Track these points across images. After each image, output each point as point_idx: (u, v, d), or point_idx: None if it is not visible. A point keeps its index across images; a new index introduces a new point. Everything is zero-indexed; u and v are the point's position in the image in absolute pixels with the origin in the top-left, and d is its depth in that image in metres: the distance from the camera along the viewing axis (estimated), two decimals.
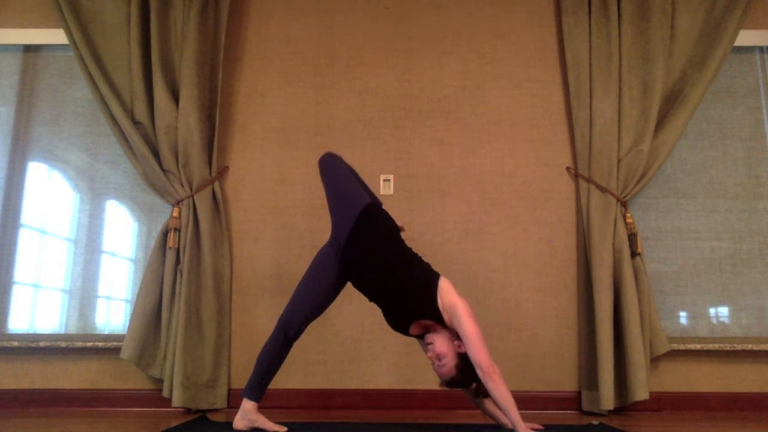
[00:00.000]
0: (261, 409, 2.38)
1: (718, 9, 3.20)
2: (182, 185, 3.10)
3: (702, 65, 3.14)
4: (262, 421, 2.30)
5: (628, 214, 3.05)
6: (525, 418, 2.10)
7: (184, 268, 2.98)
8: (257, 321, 3.11)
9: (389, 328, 2.34)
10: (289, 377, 3.04)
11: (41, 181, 3.31)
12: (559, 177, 3.23)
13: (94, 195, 3.30)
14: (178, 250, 3.04)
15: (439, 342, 2.14)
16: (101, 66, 3.17)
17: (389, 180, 3.24)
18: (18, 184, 3.30)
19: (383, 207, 2.49)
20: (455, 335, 2.15)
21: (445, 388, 2.21)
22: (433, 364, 2.16)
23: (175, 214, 3.06)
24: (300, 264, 3.13)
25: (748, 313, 3.12)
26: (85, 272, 3.22)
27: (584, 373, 2.99)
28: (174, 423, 2.50)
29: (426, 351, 2.19)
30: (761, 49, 3.36)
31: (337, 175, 2.44)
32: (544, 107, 3.29)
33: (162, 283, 3.01)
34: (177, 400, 2.83)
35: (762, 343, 3.02)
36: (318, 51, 3.37)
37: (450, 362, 2.11)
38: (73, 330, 3.16)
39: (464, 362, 2.10)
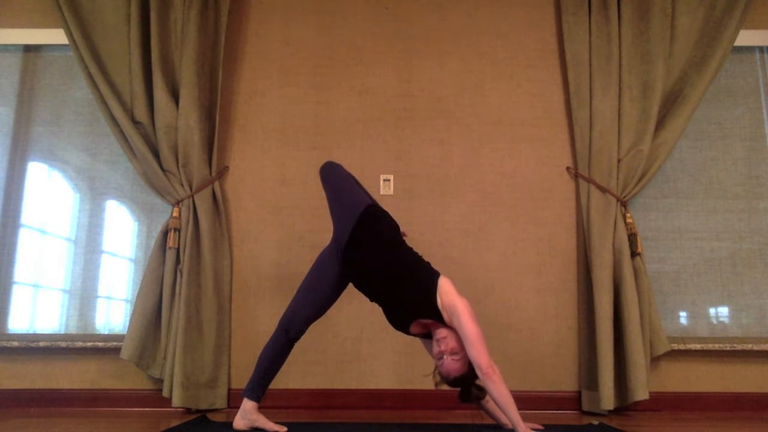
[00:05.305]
0: (261, 409, 2.38)
1: (718, 9, 3.20)
2: (182, 185, 3.10)
3: (702, 65, 3.14)
4: (262, 421, 2.31)
5: (628, 214, 3.05)
6: (525, 418, 2.10)
7: (184, 268, 2.98)
8: (257, 321, 3.11)
9: (389, 328, 2.34)
10: (289, 377, 3.04)
11: (41, 181, 3.31)
12: (559, 177, 3.23)
13: (94, 195, 3.30)
14: (178, 250, 3.04)
15: (452, 337, 2.12)
16: (101, 66, 3.17)
17: (389, 180, 3.24)
18: (18, 184, 3.30)
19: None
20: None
21: (443, 388, 2.21)
22: (441, 359, 2.12)
23: (175, 214, 3.06)
24: (300, 264, 3.13)
25: (748, 313, 3.12)
26: (85, 272, 3.22)
27: (584, 373, 2.99)
28: (174, 423, 2.51)
29: (434, 347, 2.16)
30: (761, 49, 3.36)
31: (338, 179, 2.45)
32: (544, 107, 3.29)
33: (162, 283, 3.01)
34: (177, 400, 2.84)
35: (762, 343, 3.02)
36: (318, 51, 3.37)
37: (464, 358, 2.10)
38: (73, 330, 3.16)
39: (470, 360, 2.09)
